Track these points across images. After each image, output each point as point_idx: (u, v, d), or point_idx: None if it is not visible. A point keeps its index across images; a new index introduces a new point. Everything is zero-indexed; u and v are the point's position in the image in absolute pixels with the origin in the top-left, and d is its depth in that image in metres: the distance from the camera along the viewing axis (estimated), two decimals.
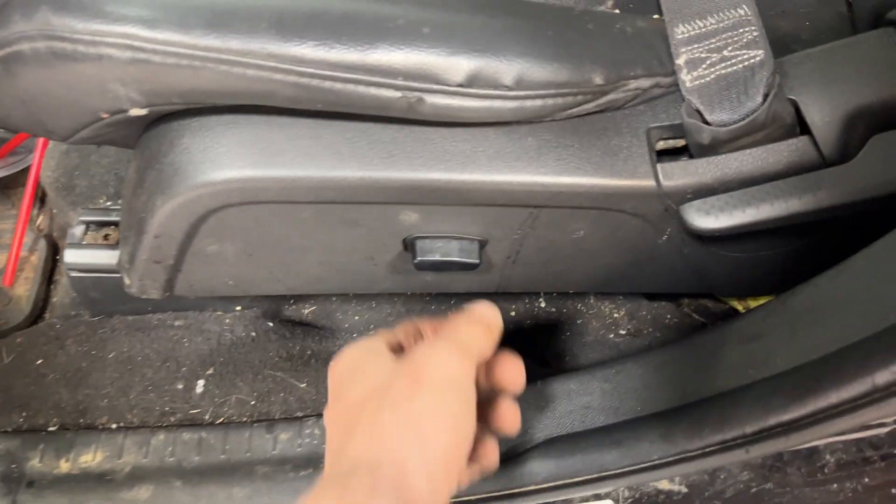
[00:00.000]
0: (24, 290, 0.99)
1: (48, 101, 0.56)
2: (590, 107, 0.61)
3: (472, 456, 0.54)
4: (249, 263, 0.70)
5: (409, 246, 0.69)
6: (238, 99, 0.56)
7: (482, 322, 0.54)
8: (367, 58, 0.53)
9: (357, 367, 0.51)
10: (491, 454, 0.56)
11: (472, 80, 0.55)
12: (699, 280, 0.80)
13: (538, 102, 0.57)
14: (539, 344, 0.97)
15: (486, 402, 0.56)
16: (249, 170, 0.58)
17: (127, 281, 0.70)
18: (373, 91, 0.54)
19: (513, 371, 0.56)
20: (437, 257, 0.67)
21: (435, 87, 0.55)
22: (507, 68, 0.55)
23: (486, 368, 0.56)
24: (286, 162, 0.58)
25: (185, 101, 0.56)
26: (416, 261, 0.67)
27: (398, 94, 0.55)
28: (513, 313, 1.01)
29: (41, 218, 1.08)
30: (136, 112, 0.57)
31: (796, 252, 0.72)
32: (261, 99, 0.55)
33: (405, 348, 0.56)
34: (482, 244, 0.69)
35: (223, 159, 0.58)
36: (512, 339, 0.97)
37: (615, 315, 0.99)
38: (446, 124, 0.60)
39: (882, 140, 0.61)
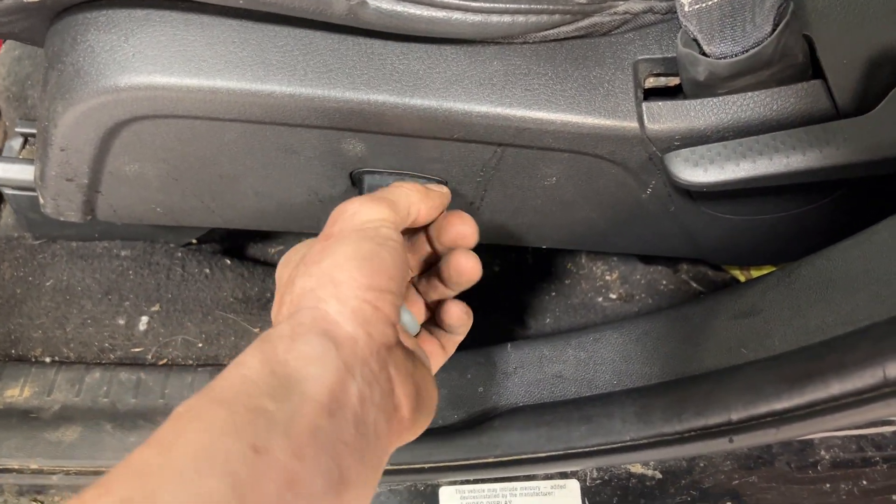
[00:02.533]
0: None
1: None
2: (569, 30, 0.51)
3: (435, 319, 0.54)
4: (176, 189, 0.62)
5: (356, 181, 0.60)
6: None
7: (418, 186, 0.52)
8: None
9: (291, 257, 0.49)
10: (455, 315, 0.54)
11: None
12: (690, 244, 0.71)
13: (505, 19, 0.48)
14: (520, 303, 0.89)
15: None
16: (160, 76, 0.49)
17: (42, 200, 0.63)
18: None
19: (461, 225, 0.53)
20: None
21: None
22: None
23: (437, 231, 0.54)
24: (204, 69, 0.49)
25: None
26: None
27: None
28: (496, 268, 0.93)
29: None
30: None
31: (802, 217, 0.63)
32: None
33: None
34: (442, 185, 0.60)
35: (131, 62, 0.50)
36: (493, 295, 0.91)
37: (607, 277, 0.90)
38: (397, 38, 0.51)
39: None
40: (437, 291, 0.57)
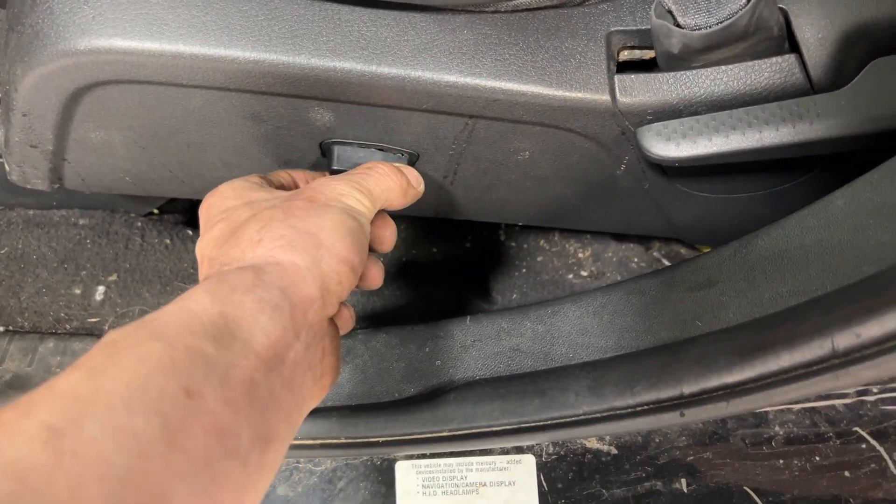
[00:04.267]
0: None
1: None
2: None
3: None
4: (143, 158, 0.61)
5: (325, 152, 0.59)
6: None
7: (379, 170, 0.53)
8: None
9: (244, 195, 0.48)
10: (376, 276, 0.54)
11: None
12: (665, 222, 0.71)
13: None
14: (489, 279, 0.89)
15: None
16: (120, 39, 0.48)
17: (7, 167, 0.62)
18: None
19: (389, 231, 0.55)
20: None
21: None
22: None
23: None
24: (166, 33, 0.49)
25: None
26: (331, 168, 0.58)
27: None
28: (468, 244, 0.94)
29: None
30: None
31: (777, 196, 0.64)
32: None
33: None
34: (413, 158, 0.60)
35: (91, 24, 0.48)
36: (462, 270, 0.91)
37: (579, 255, 0.91)
38: (365, 4, 0.50)
39: (883, 65, 0.52)
40: None
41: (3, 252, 0.78)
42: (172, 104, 0.54)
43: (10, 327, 0.74)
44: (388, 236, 0.55)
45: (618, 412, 0.57)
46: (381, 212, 0.54)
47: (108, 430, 0.29)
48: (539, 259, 0.91)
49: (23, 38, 0.50)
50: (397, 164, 0.55)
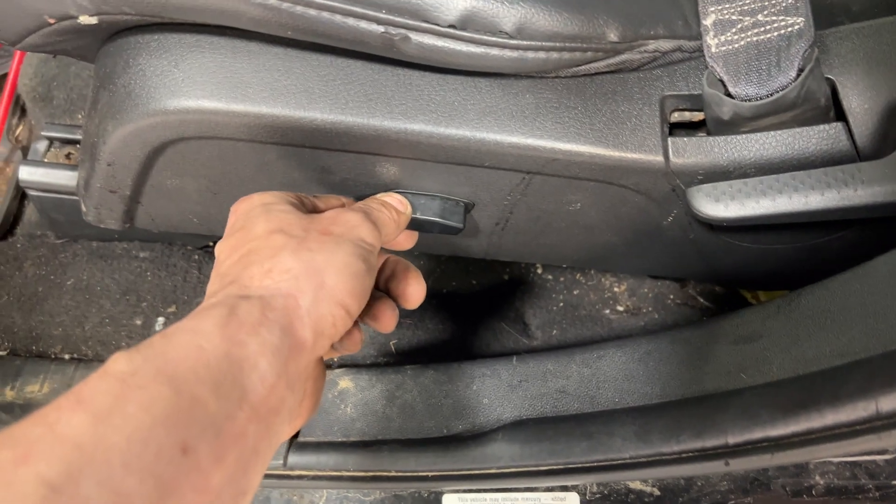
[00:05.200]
0: None
1: None
2: (600, 66, 0.54)
3: (368, 313, 0.54)
4: (215, 202, 0.64)
5: None
6: (198, 16, 0.49)
7: (391, 207, 0.55)
8: None
9: (268, 207, 0.48)
10: (389, 320, 0.54)
11: (467, 22, 0.48)
12: (706, 268, 0.74)
13: (541, 55, 0.51)
14: (527, 314, 0.91)
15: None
16: (208, 101, 0.52)
17: (84, 208, 0.65)
18: (351, 22, 0.48)
19: (416, 289, 0.55)
20: (417, 215, 0.61)
21: (423, 24, 0.48)
22: (508, 12, 0.48)
23: (391, 275, 0.56)
24: (249, 95, 0.52)
25: (138, 13, 0.50)
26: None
27: (380, 28, 0.48)
28: (506, 276, 0.96)
29: (20, 128, 1.02)
30: (85, 20, 0.51)
31: (818, 248, 0.66)
32: (224, 19, 0.49)
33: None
34: (468, 207, 0.63)
35: (180, 86, 0.52)
36: (501, 302, 0.94)
37: (615, 289, 0.93)
38: (435, 70, 0.54)
39: None
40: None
41: (69, 283, 0.81)
42: (249, 157, 0.57)
43: (76, 355, 0.78)
44: (416, 294, 0.55)
45: (663, 458, 0.59)
46: (414, 269, 0.55)
47: (104, 490, 0.29)
48: (576, 292, 0.94)
49: (115, 96, 0.54)
50: (386, 200, 0.56)
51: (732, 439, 0.55)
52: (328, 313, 0.42)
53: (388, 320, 0.54)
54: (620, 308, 0.92)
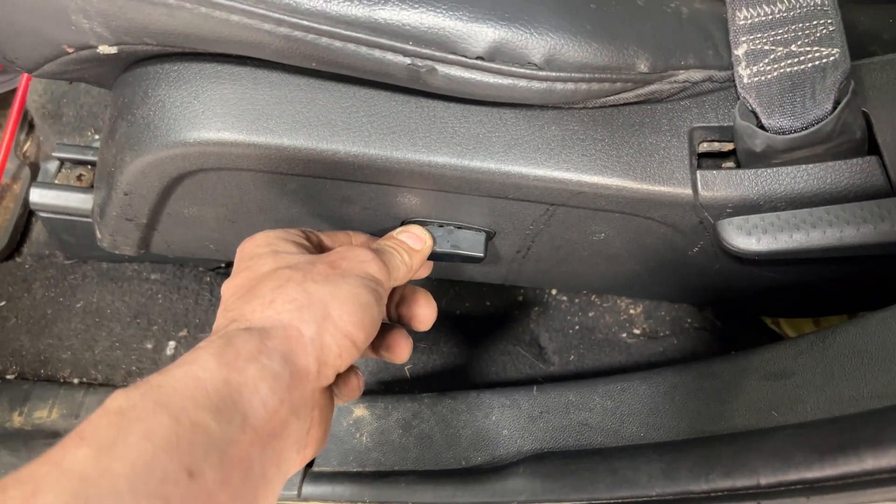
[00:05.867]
0: (2, 220, 0.92)
1: (8, 27, 0.49)
2: (629, 96, 0.53)
3: (382, 345, 0.54)
4: (233, 230, 0.63)
5: None
6: (220, 47, 0.48)
7: (405, 249, 0.54)
8: (375, 14, 0.45)
9: (273, 245, 0.49)
10: (402, 349, 0.55)
11: (495, 53, 0.47)
12: (730, 296, 0.72)
13: (570, 86, 0.49)
14: (543, 337, 0.90)
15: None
16: (228, 132, 0.50)
17: (99, 234, 0.64)
18: (377, 54, 0.46)
19: (426, 311, 0.55)
20: (436, 248, 0.59)
21: (450, 56, 0.47)
22: (537, 43, 0.47)
23: (401, 299, 0.56)
24: (271, 127, 0.51)
25: (159, 43, 0.49)
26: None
27: (407, 60, 0.47)
28: (520, 298, 0.95)
29: (28, 144, 1.00)
30: (105, 50, 0.50)
31: (846, 279, 0.64)
32: (246, 49, 0.48)
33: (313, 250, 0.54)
34: (489, 236, 0.62)
35: (200, 118, 0.51)
36: (516, 325, 0.92)
37: (631, 311, 0.92)
38: (459, 101, 0.52)
39: None
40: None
41: (79, 306, 0.80)
42: (268, 187, 0.56)
43: (85, 380, 0.76)
44: (427, 316, 0.55)
45: (691, 497, 0.57)
46: (423, 291, 0.55)
47: None
48: (591, 315, 0.92)
49: (133, 127, 0.52)
50: (403, 238, 0.55)
51: (765, 480, 0.54)
52: (333, 344, 0.42)
53: (402, 351, 0.54)
54: (637, 331, 0.90)
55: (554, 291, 0.94)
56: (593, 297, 0.94)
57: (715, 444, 0.59)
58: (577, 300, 0.94)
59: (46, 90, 0.90)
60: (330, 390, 0.46)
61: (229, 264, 0.87)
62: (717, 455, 0.58)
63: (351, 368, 0.54)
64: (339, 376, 0.52)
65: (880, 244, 0.53)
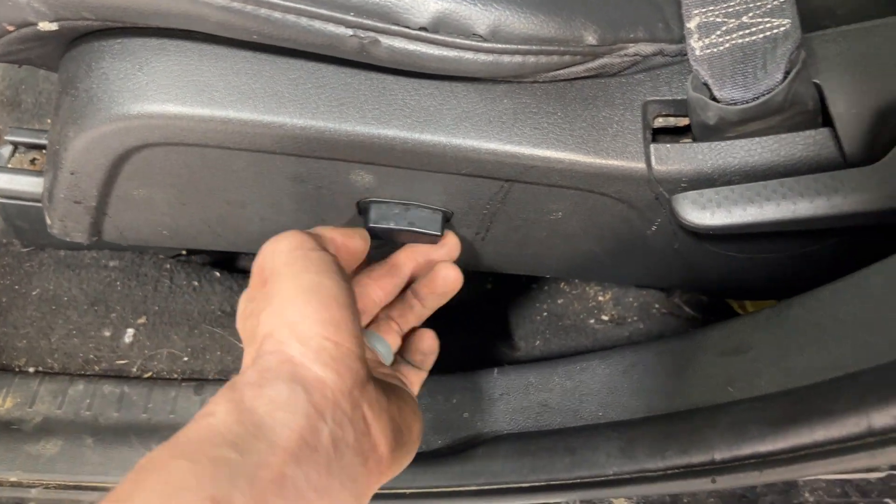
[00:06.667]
0: None
1: None
2: (579, 70, 0.52)
3: (409, 350, 0.58)
4: (184, 213, 0.62)
5: (362, 210, 0.60)
6: (159, 20, 0.47)
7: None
8: None
9: (241, 310, 0.48)
10: (428, 341, 0.59)
11: (439, 25, 0.46)
12: (692, 278, 0.72)
13: (517, 59, 0.49)
14: (511, 323, 0.89)
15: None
16: (172, 105, 0.49)
17: (49, 220, 0.62)
18: (318, 25, 0.45)
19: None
20: (392, 225, 0.58)
21: (393, 27, 0.46)
22: (481, 14, 0.46)
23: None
24: (216, 100, 0.50)
25: (99, 18, 0.47)
26: (368, 226, 0.59)
27: (349, 31, 0.46)
28: (489, 286, 0.94)
29: None
30: (45, 27, 0.48)
31: (806, 256, 0.64)
32: (185, 22, 0.47)
33: None
34: (447, 216, 0.61)
35: (144, 90, 0.50)
36: (483, 315, 0.92)
37: (599, 298, 0.91)
38: (410, 74, 0.52)
39: None
40: (413, 312, 0.59)
41: (35, 293, 0.79)
42: (216, 165, 0.55)
43: (41, 368, 0.75)
44: (357, 246, 0.52)
45: (648, 475, 0.57)
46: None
47: None
48: (560, 301, 0.92)
49: (76, 101, 0.51)
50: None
51: (719, 455, 0.54)
52: (320, 342, 0.40)
53: (428, 344, 0.60)
54: (605, 318, 0.90)
55: (523, 279, 0.94)
56: (562, 284, 0.93)
57: (672, 422, 0.59)
58: (545, 287, 0.93)
59: (5, 77, 0.88)
60: (375, 381, 0.44)
61: (191, 251, 0.86)
62: (674, 432, 0.58)
63: (414, 332, 0.60)
64: (408, 341, 0.59)
65: (834, 216, 0.52)
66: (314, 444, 0.37)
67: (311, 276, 0.43)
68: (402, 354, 0.59)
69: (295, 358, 0.40)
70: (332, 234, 0.50)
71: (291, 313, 0.41)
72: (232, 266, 0.90)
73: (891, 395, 0.45)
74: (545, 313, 0.91)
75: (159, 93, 0.49)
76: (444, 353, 0.87)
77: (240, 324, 0.47)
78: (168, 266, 0.82)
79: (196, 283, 0.82)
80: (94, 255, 0.82)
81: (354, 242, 0.52)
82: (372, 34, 0.46)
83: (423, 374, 0.59)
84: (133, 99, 0.50)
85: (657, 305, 0.90)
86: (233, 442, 0.35)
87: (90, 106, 0.50)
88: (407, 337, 0.59)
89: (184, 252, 0.85)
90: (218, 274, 0.84)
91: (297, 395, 0.38)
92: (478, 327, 0.89)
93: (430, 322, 0.89)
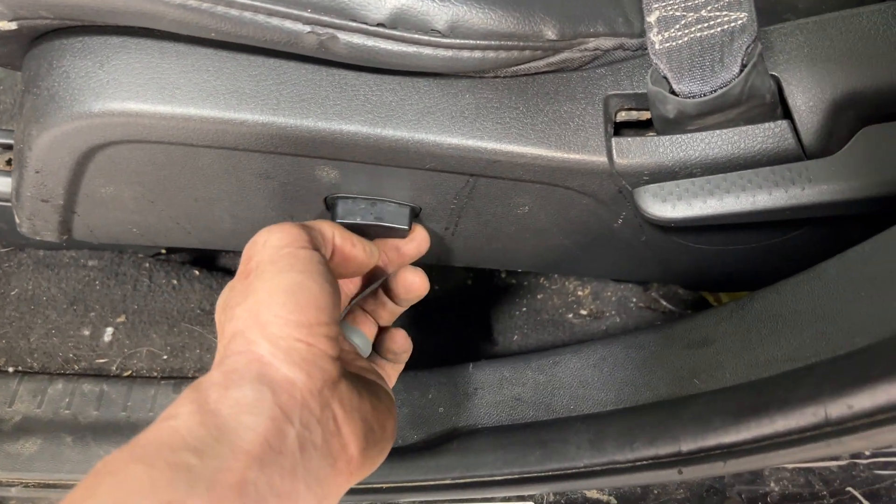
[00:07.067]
0: None
1: None
2: (540, 65, 0.52)
3: (382, 348, 0.58)
4: (152, 211, 0.62)
5: (330, 206, 0.61)
6: (116, 18, 0.47)
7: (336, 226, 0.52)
8: None
9: (220, 302, 0.47)
10: (400, 341, 0.58)
11: (397, 21, 0.46)
12: (663, 270, 0.72)
13: (476, 54, 0.49)
14: (490, 318, 0.90)
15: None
16: (134, 102, 0.50)
17: (18, 219, 0.63)
18: (275, 22, 0.46)
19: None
20: (359, 220, 0.59)
21: (351, 24, 0.46)
22: (439, 10, 0.47)
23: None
24: (177, 97, 0.50)
25: (57, 16, 0.48)
26: (335, 222, 0.60)
27: (306, 28, 0.46)
28: (469, 282, 0.94)
29: None
30: (4, 26, 0.49)
31: (772, 248, 0.64)
32: (143, 21, 0.47)
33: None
34: (415, 211, 0.61)
35: (105, 88, 0.50)
36: (464, 307, 0.92)
37: (579, 293, 0.92)
38: (371, 70, 0.52)
39: (871, 133, 0.53)
40: (386, 309, 0.59)
41: (13, 293, 0.79)
42: (182, 162, 0.55)
43: (20, 368, 0.76)
44: (360, 256, 0.52)
45: (617, 466, 0.58)
46: (348, 233, 0.52)
47: None
48: (539, 297, 0.92)
49: (38, 100, 0.52)
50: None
51: (685, 447, 0.54)
52: (290, 343, 0.40)
53: (400, 344, 0.58)
54: (584, 312, 0.91)
55: (503, 274, 0.94)
56: (542, 279, 0.94)
57: (640, 414, 0.59)
58: (525, 283, 0.94)
59: None
60: (348, 379, 0.43)
61: (170, 250, 0.87)
62: (642, 424, 0.58)
63: (384, 331, 0.59)
64: (381, 338, 0.59)
65: (793, 208, 0.53)
66: (279, 447, 0.37)
67: (293, 275, 0.42)
68: (376, 350, 0.59)
69: (264, 357, 0.39)
70: (331, 233, 0.50)
71: (265, 314, 0.40)
72: (211, 264, 0.91)
73: (845, 385, 0.45)
74: (524, 308, 0.91)
75: (120, 91, 0.50)
76: (423, 349, 0.87)
77: (218, 314, 0.46)
78: (147, 265, 0.83)
79: (175, 282, 0.82)
80: (73, 255, 0.82)
81: (354, 251, 0.51)
82: (329, 30, 0.46)
83: (400, 367, 0.60)
84: (94, 97, 0.50)
85: (634, 300, 0.90)
86: (194, 446, 0.34)
87: (52, 104, 0.51)
88: (380, 334, 0.60)
89: (163, 251, 0.86)
90: (197, 272, 0.84)
91: (263, 396, 0.37)
92: (457, 322, 0.90)
93: (410, 317, 0.90)
